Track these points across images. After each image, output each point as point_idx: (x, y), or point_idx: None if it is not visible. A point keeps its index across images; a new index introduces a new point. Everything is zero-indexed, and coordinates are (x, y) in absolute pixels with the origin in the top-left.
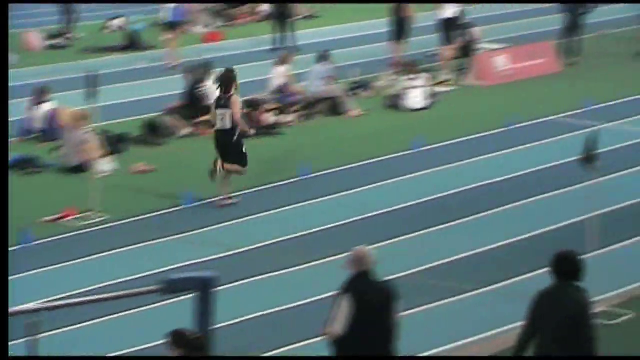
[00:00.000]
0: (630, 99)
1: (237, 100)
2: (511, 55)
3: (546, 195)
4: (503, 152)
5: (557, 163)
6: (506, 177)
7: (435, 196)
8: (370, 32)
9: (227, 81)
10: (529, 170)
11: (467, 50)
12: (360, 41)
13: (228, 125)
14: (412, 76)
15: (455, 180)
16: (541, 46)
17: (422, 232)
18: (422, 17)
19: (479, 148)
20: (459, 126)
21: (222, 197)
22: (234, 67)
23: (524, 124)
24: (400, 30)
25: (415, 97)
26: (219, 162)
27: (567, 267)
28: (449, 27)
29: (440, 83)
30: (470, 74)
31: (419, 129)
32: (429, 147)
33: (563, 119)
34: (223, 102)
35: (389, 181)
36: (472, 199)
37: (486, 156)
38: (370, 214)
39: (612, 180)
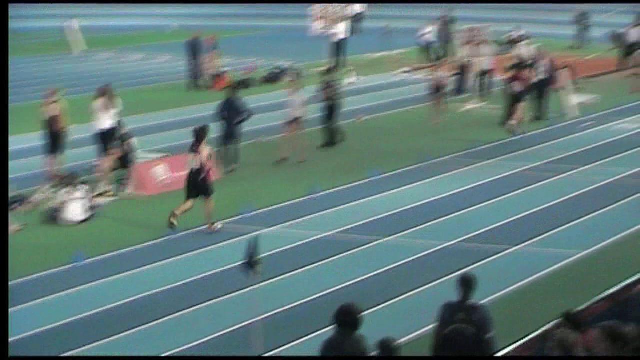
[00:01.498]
0: (287, 203)
1: (206, 148)
2: (170, 164)
3: (211, 302)
4: (165, 261)
5: (220, 269)
6: (169, 286)
7: (98, 310)
8: (24, 145)
9: (201, 133)
10: (192, 279)
11: (125, 161)
12: (13, 155)
13: (196, 166)
14: (70, 189)
15: (117, 292)
16: None
17: (86, 347)
18: (79, 129)
19: (142, 259)
20: (120, 237)
21: (209, 225)
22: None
23: (185, 232)
24: (55, 142)
25: (75, 210)
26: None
27: (347, 318)
28: (106, 138)
29: (100, 195)
30: (130, 185)
31: (79, 243)
32: (90, 261)
33: (224, 225)
34: (194, 148)
35: (48, 298)
36: (137, 311)
37: (149, 267)
38: (22, 335)
39: (275, 284)
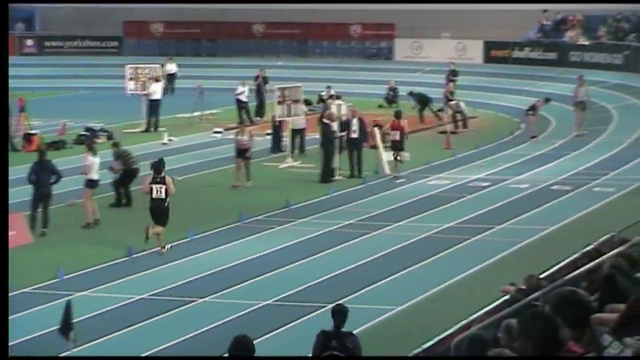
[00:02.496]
0: (102, 266)
1: (170, 178)
2: None
3: None
4: None
5: (35, 335)
6: None
7: None
8: None
9: (160, 166)
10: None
11: None
12: None
13: (163, 195)
14: None
15: None
16: (11, 218)
17: None
18: None
19: None
20: None
21: (158, 248)
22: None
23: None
24: None
25: None
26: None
27: (241, 348)
28: None
29: None
30: None
31: None
32: None
33: (38, 290)
34: (159, 179)
35: None
36: None
37: None
38: None
39: (93, 347)
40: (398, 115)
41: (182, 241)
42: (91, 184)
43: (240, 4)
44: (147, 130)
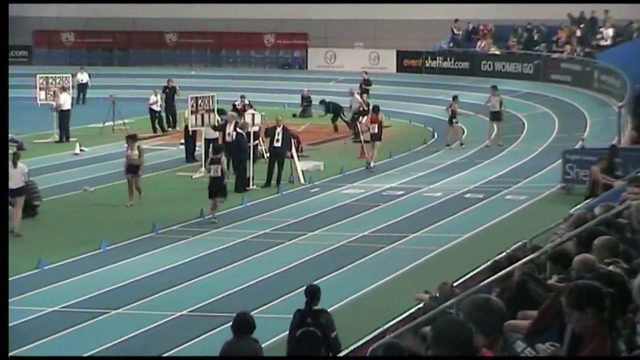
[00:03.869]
0: (11, 278)
1: (224, 159)
2: None
3: None
4: None
5: None
6: None
7: None
8: None
9: (218, 149)
10: None
11: None
12: None
13: (219, 174)
14: None
15: None
16: None
17: None
18: None
19: None
20: None
21: (211, 216)
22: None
23: None
24: None
25: None
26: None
27: (243, 325)
28: None
29: None
30: None
31: None
32: None
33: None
34: (215, 160)
35: None
36: None
37: None
38: None
39: None
40: (376, 109)
41: (95, 252)
42: (17, 192)
43: (152, 13)
44: (60, 140)
